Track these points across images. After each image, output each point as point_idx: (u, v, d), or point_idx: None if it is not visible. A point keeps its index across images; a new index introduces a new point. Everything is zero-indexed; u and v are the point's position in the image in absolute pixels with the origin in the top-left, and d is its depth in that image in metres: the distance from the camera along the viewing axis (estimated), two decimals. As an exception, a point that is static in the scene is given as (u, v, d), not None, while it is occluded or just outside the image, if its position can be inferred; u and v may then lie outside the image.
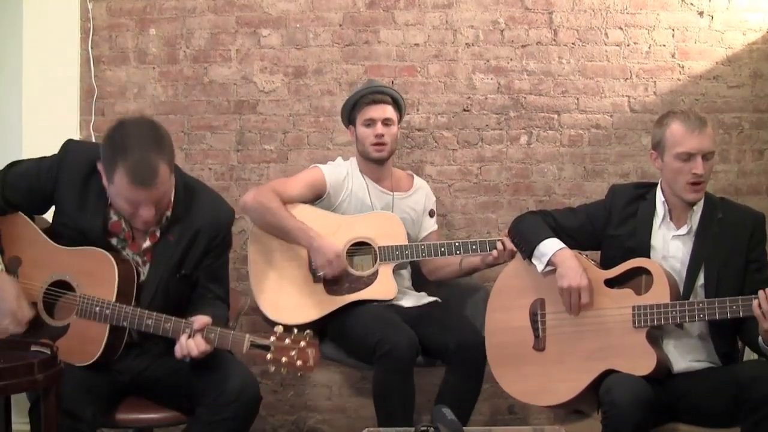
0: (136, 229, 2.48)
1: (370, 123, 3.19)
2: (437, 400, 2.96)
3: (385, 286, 3.08)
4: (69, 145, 2.56)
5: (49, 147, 2.86)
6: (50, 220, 2.63)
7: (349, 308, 3.05)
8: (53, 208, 2.56)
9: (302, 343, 2.34)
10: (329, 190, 3.19)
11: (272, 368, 2.35)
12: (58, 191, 2.49)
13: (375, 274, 3.09)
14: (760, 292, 2.38)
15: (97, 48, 3.77)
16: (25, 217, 2.56)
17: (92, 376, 2.40)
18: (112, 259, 2.45)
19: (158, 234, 2.51)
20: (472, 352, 2.88)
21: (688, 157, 2.56)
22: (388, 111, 3.21)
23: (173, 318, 2.41)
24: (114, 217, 2.49)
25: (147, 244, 2.51)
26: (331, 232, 3.09)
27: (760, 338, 2.43)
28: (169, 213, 2.50)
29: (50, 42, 3.57)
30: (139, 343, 2.55)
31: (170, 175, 2.39)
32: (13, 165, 2.56)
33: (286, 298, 3.07)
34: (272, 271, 3.09)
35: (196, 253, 2.54)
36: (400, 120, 3.30)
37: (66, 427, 2.25)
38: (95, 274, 2.45)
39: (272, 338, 2.34)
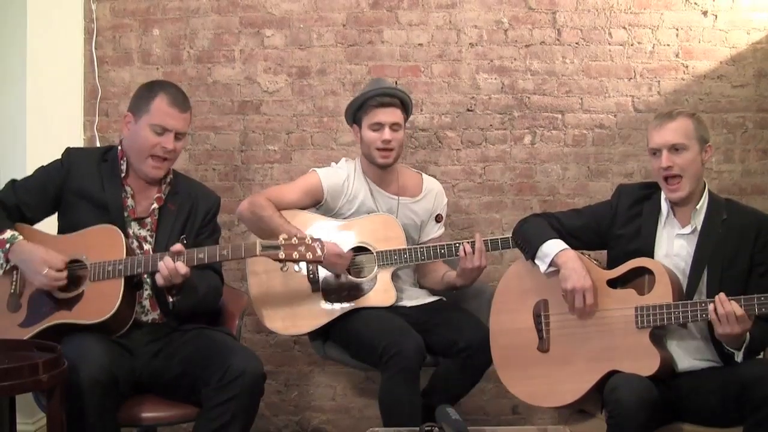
0: (139, 203, 2.72)
1: (378, 127, 3.05)
2: (428, 383, 2.99)
3: (384, 292, 3.03)
4: (70, 148, 2.80)
5: (53, 147, 2.89)
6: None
7: (353, 313, 3.01)
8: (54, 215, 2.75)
9: (307, 240, 2.58)
10: (326, 195, 3.10)
11: (286, 267, 2.59)
12: (71, 180, 2.69)
13: (374, 280, 3.04)
14: (716, 297, 2.40)
15: (101, 49, 3.79)
16: (25, 224, 2.70)
17: (113, 362, 2.45)
18: (116, 228, 2.63)
19: (159, 203, 2.73)
20: (480, 352, 2.84)
21: (655, 152, 2.62)
22: (397, 115, 3.08)
23: (184, 251, 2.61)
24: (124, 194, 2.71)
25: (154, 206, 2.72)
26: (328, 238, 3.00)
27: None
28: (168, 187, 2.76)
29: (54, 43, 3.57)
30: (150, 324, 2.69)
31: (189, 123, 2.76)
32: (14, 180, 2.74)
33: (287, 309, 3.03)
34: (271, 283, 3.04)
35: (195, 222, 2.79)
36: (406, 121, 3.19)
37: (95, 401, 2.34)
38: (103, 244, 2.61)
39: (281, 239, 2.56)
